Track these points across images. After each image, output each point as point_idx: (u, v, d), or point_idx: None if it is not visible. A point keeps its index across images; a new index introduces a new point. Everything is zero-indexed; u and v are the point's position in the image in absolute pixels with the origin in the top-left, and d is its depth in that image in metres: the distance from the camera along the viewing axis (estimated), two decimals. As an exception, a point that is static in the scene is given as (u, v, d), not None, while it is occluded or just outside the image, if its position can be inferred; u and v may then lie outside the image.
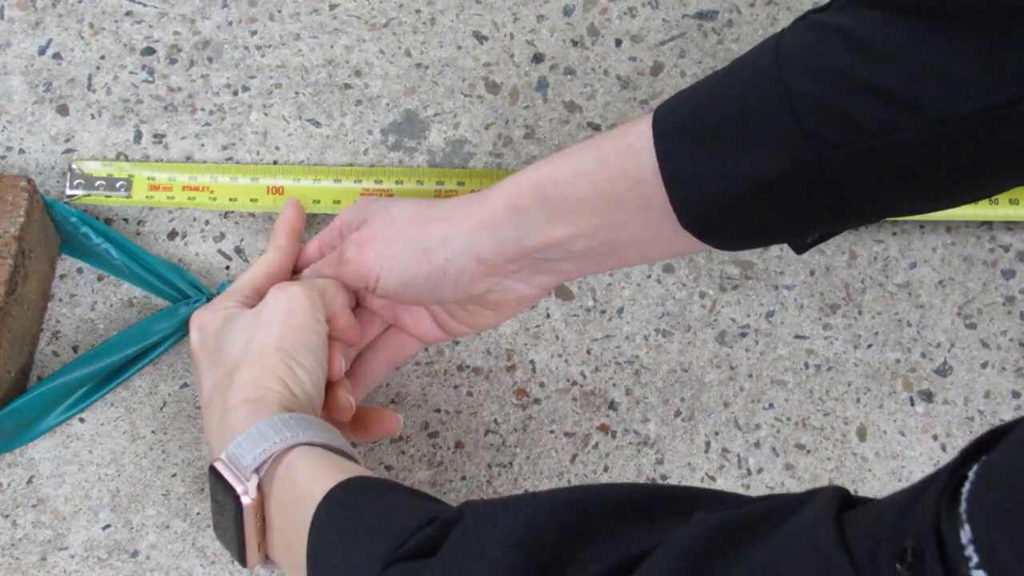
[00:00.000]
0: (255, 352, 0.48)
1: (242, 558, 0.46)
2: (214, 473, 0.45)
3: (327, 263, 0.53)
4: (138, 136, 0.63)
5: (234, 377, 0.48)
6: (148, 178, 0.61)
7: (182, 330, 0.57)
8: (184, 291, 0.58)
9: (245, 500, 0.44)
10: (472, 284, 0.50)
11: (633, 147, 0.45)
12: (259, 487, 0.45)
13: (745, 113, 0.43)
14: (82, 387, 0.57)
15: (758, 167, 0.43)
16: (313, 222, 0.62)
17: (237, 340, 0.49)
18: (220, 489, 0.45)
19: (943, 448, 0.61)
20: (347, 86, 0.65)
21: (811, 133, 0.41)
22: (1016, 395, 0.62)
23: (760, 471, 0.60)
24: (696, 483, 0.59)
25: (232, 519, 0.45)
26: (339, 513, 0.42)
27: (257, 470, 0.44)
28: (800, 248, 0.49)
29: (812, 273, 0.63)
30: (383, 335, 0.57)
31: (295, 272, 0.56)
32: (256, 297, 0.53)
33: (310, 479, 0.44)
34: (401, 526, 0.40)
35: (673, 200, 0.44)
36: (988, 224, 0.64)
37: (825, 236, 0.49)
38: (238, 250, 0.62)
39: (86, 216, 0.58)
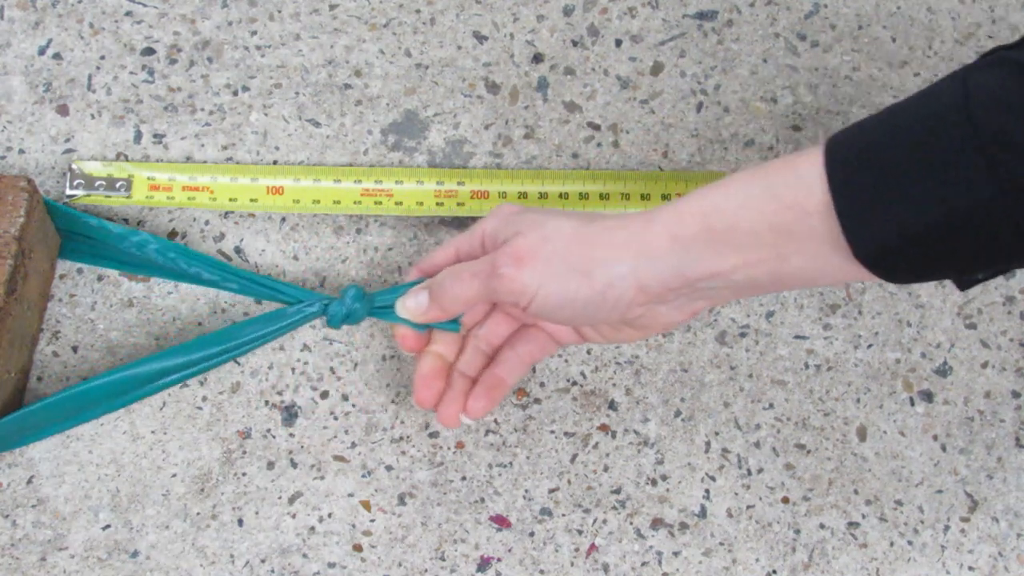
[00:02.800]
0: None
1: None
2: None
3: (474, 273, 0.52)
4: (138, 136, 0.63)
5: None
6: (148, 178, 0.61)
7: (286, 330, 0.58)
8: (295, 296, 0.58)
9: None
10: (629, 310, 0.50)
11: (804, 179, 0.45)
12: None
13: (927, 146, 0.42)
14: (165, 376, 0.57)
15: (941, 201, 0.42)
16: (314, 222, 0.62)
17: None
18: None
19: (943, 448, 0.61)
20: (347, 86, 0.65)
21: (998, 169, 0.41)
22: (1016, 395, 0.62)
23: (760, 471, 0.60)
24: (696, 483, 0.59)
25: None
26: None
27: None
28: (965, 284, 0.48)
29: (812, 273, 0.63)
30: (520, 333, 0.57)
31: (430, 275, 0.56)
32: None
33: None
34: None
35: (848, 233, 0.44)
36: (988, 224, 0.64)
37: (994, 273, 0.48)
38: (238, 250, 0.62)
39: (155, 236, 0.58)
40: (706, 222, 0.47)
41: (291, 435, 0.59)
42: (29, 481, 0.57)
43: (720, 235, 0.47)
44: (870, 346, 0.62)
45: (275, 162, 0.63)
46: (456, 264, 0.54)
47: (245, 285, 0.58)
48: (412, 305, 0.55)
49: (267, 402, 0.59)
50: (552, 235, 0.50)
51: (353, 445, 0.59)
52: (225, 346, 0.57)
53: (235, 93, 0.64)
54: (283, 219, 0.62)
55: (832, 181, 0.44)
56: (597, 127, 0.65)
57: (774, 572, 0.58)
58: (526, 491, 0.59)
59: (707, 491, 0.59)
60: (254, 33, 0.66)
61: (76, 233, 0.59)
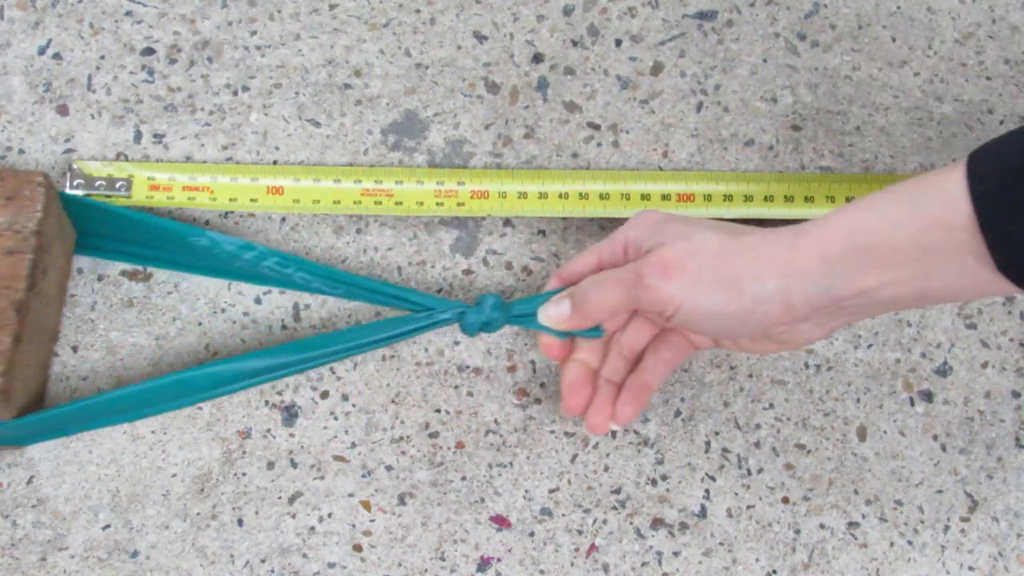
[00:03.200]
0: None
1: None
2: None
3: (617, 281, 0.52)
4: (138, 136, 0.63)
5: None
6: (148, 178, 0.61)
7: (411, 334, 0.58)
8: (425, 303, 0.58)
9: None
10: (772, 326, 0.50)
11: (949, 194, 0.45)
12: None
13: None
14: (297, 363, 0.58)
15: None
16: (313, 222, 0.62)
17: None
18: None
19: (943, 448, 0.61)
20: (347, 86, 0.65)
21: None
22: (1016, 395, 0.62)
23: (760, 471, 0.60)
24: (696, 483, 0.59)
25: None
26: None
27: None
28: None
29: (812, 273, 0.63)
30: (661, 337, 0.57)
31: (571, 283, 0.56)
32: None
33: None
34: None
35: (992, 246, 0.44)
36: (988, 224, 0.64)
37: None
38: (238, 250, 0.62)
39: (273, 250, 0.59)
40: (852, 241, 0.47)
41: (291, 435, 0.59)
42: (29, 481, 0.57)
43: (866, 254, 0.47)
44: (870, 346, 0.62)
45: (275, 162, 0.63)
46: (599, 272, 0.54)
47: (373, 296, 0.59)
48: (554, 313, 0.55)
49: (267, 402, 0.59)
50: (700, 247, 0.51)
51: (353, 445, 0.59)
52: (345, 345, 0.57)
53: (235, 93, 0.64)
54: (283, 219, 0.62)
55: (975, 195, 0.44)
56: (597, 127, 0.65)
57: (774, 572, 0.58)
58: (526, 491, 0.59)
59: (707, 491, 0.59)
60: (254, 33, 0.66)
61: (152, 237, 0.60)
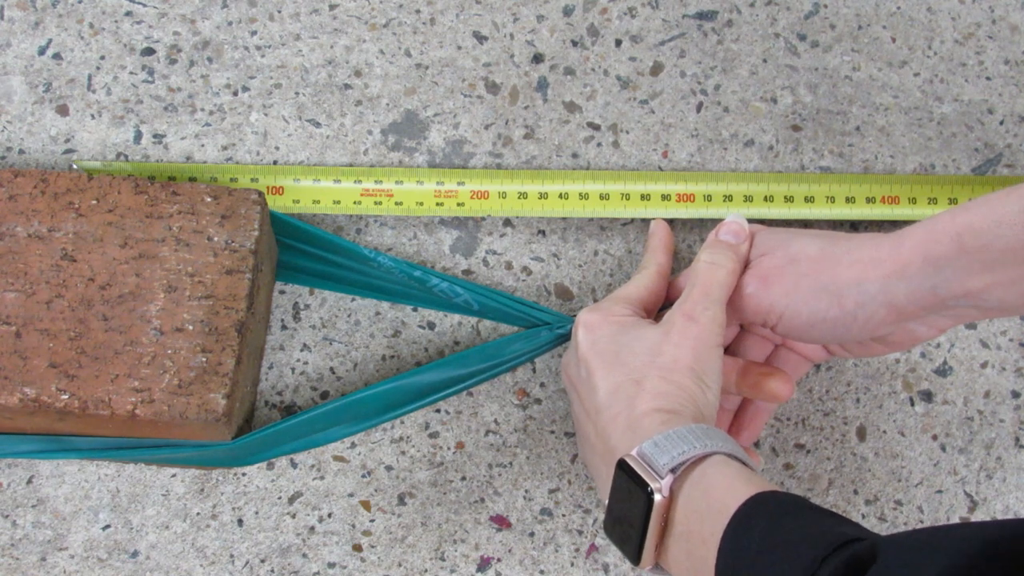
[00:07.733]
0: (665, 368, 0.49)
1: (636, 557, 0.46)
2: (623, 468, 0.46)
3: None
4: (138, 136, 0.63)
5: (642, 385, 0.49)
6: (148, 179, 0.61)
7: (538, 352, 0.59)
8: (541, 319, 0.59)
9: (657, 497, 0.45)
10: (878, 328, 0.50)
11: None
12: (670, 489, 0.45)
13: None
14: (410, 398, 0.58)
15: None
16: (312, 222, 0.62)
17: (639, 350, 0.51)
18: (628, 484, 0.46)
19: (943, 448, 0.61)
20: (347, 86, 0.65)
21: None
22: (1016, 395, 0.62)
23: (760, 471, 0.60)
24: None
25: (637, 516, 0.46)
26: (750, 533, 0.42)
27: (673, 471, 0.45)
28: None
29: (812, 273, 0.63)
30: (772, 356, 0.57)
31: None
32: (641, 310, 0.55)
33: (724, 489, 0.44)
34: (810, 556, 0.40)
35: None
36: (988, 224, 0.64)
37: None
38: (238, 250, 0.62)
39: (416, 265, 0.59)
40: (959, 241, 0.47)
41: (291, 435, 0.59)
42: (29, 481, 0.57)
43: (974, 254, 0.46)
44: (870, 346, 0.62)
45: (275, 162, 0.63)
46: None
47: (503, 312, 0.59)
48: None
49: (267, 402, 0.59)
50: (798, 255, 0.51)
51: (353, 445, 0.59)
52: (489, 363, 0.58)
53: (235, 93, 0.64)
54: (283, 219, 0.62)
55: None
56: (597, 127, 0.65)
57: (774, 572, 0.58)
58: (526, 491, 0.59)
59: (707, 491, 0.59)
60: (254, 33, 0.66)
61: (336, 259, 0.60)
